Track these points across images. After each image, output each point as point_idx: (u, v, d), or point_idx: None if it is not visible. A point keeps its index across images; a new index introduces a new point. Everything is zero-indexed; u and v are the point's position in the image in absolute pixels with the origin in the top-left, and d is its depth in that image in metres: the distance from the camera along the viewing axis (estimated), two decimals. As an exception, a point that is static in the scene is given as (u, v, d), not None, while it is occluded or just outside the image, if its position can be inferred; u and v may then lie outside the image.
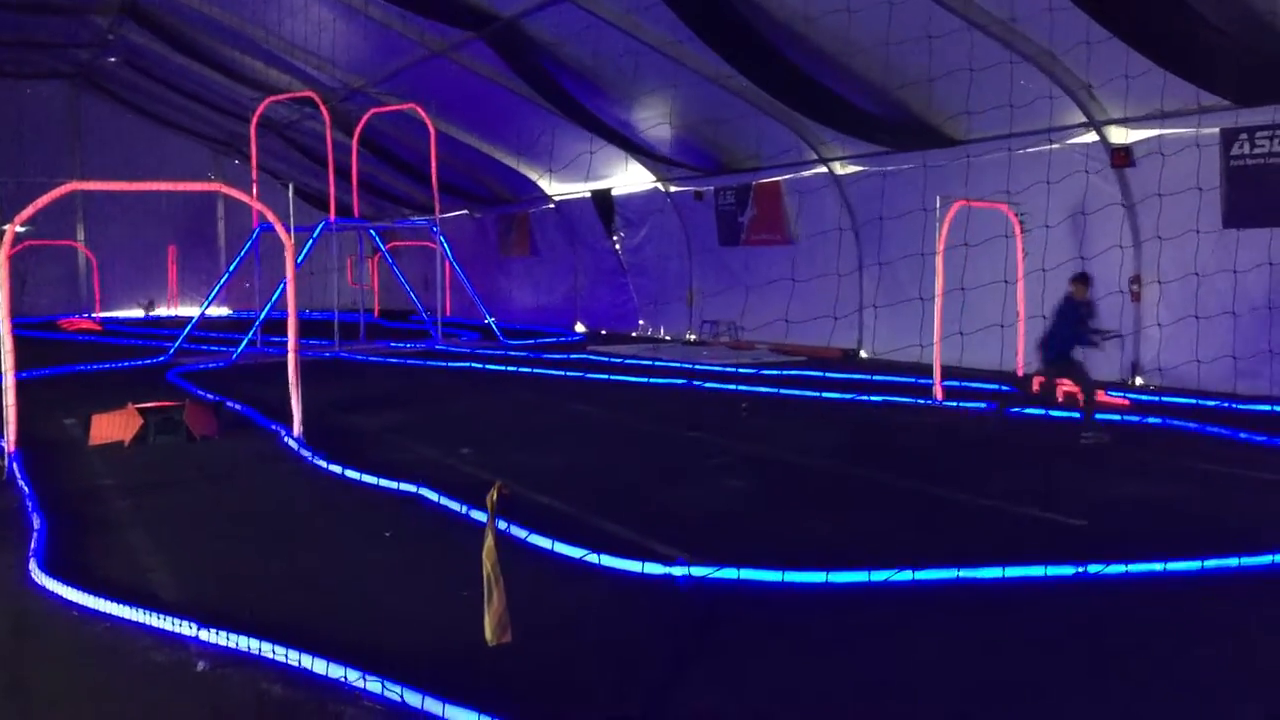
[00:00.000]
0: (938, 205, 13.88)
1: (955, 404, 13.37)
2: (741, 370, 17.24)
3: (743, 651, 5.46)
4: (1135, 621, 5.87)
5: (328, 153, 23.17)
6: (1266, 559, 6.65)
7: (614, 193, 24.61)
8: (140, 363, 19.31)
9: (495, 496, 5.13)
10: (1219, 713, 4.71)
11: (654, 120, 20.21)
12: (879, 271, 18.41)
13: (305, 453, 10.43)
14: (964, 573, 6.44)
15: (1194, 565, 6.57)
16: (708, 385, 15.73)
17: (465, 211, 31.01)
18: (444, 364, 19.11)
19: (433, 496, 8.48)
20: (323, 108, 22.92)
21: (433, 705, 4.65)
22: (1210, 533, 7.36)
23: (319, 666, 5.08)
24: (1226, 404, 12.50)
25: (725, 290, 21.99)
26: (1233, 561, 6.60)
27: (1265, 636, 5.65)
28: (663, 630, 5.72)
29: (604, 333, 25.81)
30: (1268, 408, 12.01)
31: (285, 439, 11.15)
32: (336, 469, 9.66)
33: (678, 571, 6.50)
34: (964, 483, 9.17)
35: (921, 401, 13.64)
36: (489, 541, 5.15)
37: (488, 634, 5.16)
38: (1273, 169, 12.70)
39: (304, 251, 21.39)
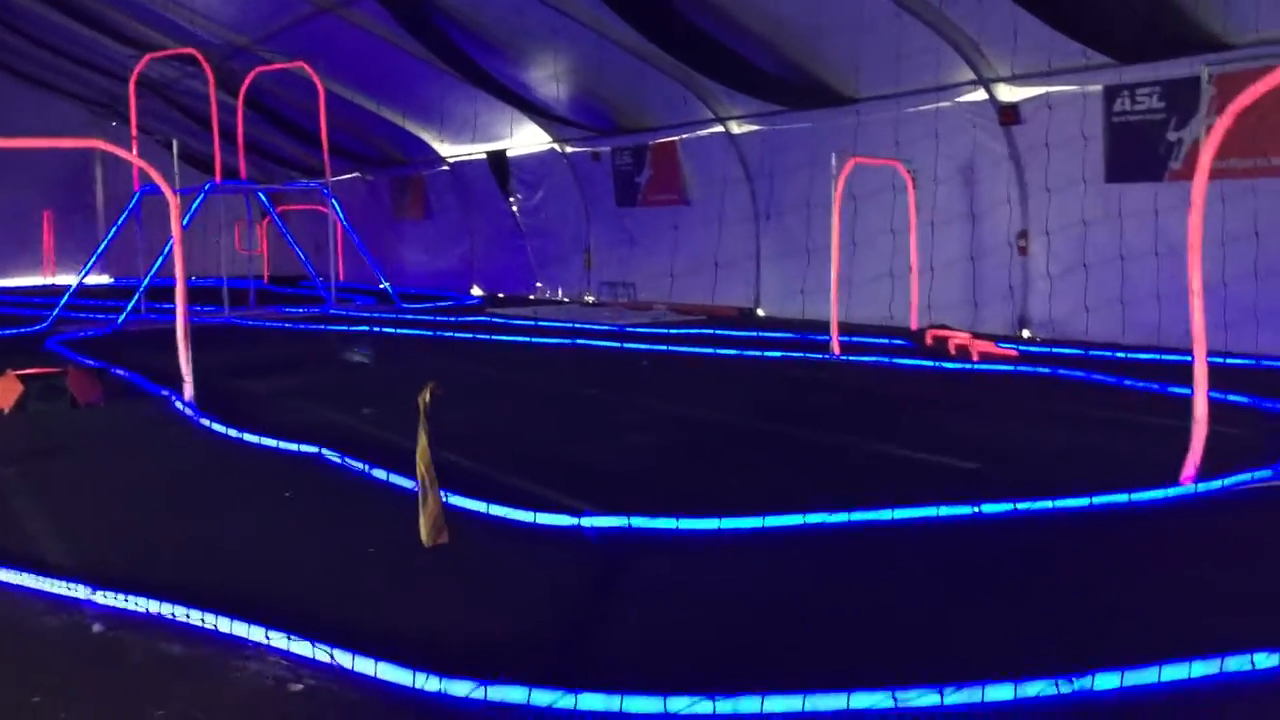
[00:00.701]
0: (833, 163, 14.04)
1: (852, 358, 13.60)
2: (641, 330, 17.28)
3: (648, 595, 5.50)
4: (1027, 553, 6.06)
5: (211, 113, 22.44)
6: (1155, 494, 6.94)
7: (509, 154, 24.36)
8: (14, 331, 18.55)
9: (428, 398, 5.06)
10: (1104, 629, 4.89)
11: (549, 80, 20.03)
12: (775, 231, 18.60)
13: (198, 417, 10.15)
14: (857, 515, 6.58)
15: (1083, 501, 6.81)
16: (604, 345, 15.75)
17: (357, 174, 30.40)
18: (339, 328, 18.77)
19: (335, 457, 8.33)
20: (205, 66, 22.16)
21: (342, 657, 4.58)
22: (1098, 473, 7.62)
23: (221, 625, 4.96)
24: (1111, 353, 12.94)
25: (623, 251, 21.99)
26: (1122, 497, 6.86)
27: (1147, 563, 5.89)
28: (573, 579, 5.72)
29: (501, 296, 25.62)
30: (1150, 356, 12.47)
31: (176, 404, 10.83)
32: (233, 432, 9.42)
33: (586, 523, 6.52)
34: (862, 432, 9.36)
35: (819, 356, 13.85)
36: (422, 443, 5.07)
37: (423, 536, 5.09)
38: (1152, 124, 13.13)
39: (189, 215, 20.72)
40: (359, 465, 8.00)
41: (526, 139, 23.45)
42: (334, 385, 12.64)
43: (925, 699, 4.17)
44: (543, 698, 4.22)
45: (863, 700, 4.15)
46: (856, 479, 7.82)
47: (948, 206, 15.36)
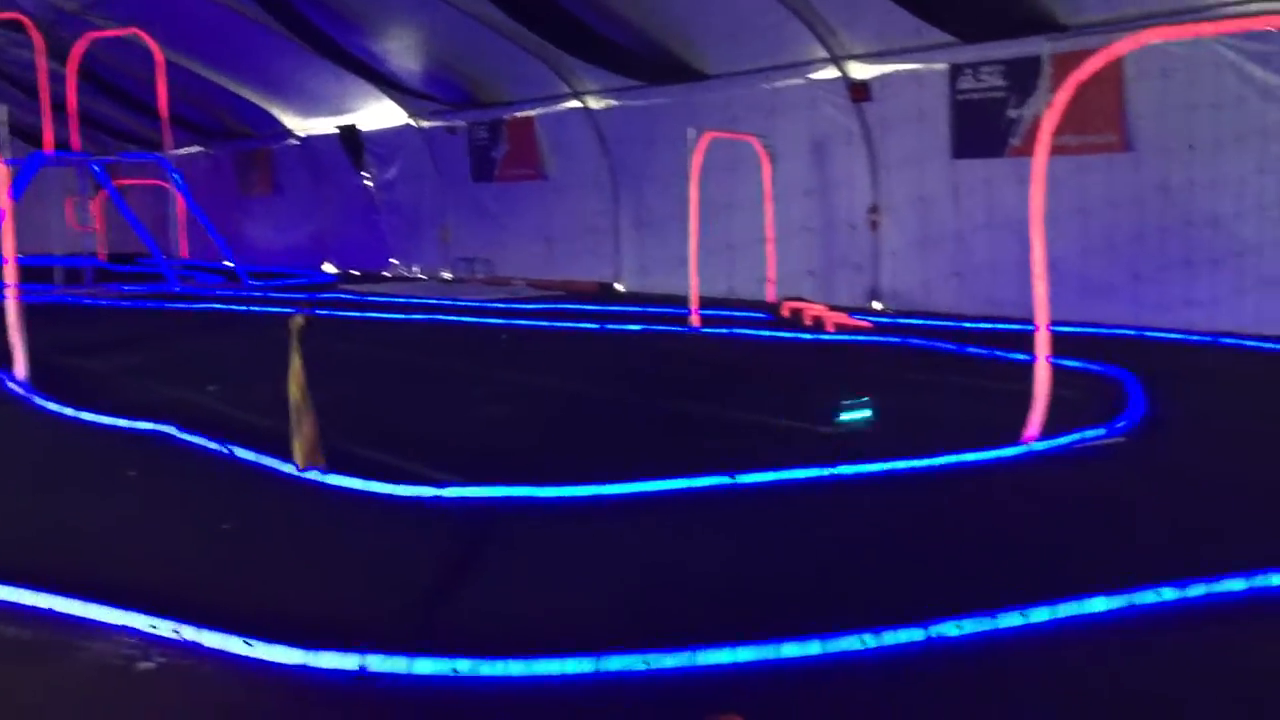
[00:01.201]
0: (690, 137, 14.13)
1: (711, 330, 13.75)
2: (500, 305, 17.13)
3: (508, 564, 5.47)
4: (881, 511, 6.25)
5: (40, 82, 21.24)
6: (999, 453, 7.22)
7: (362, 128, 23.78)
8: None
9: (301, 323, 4.92)
10: (956, 580, 5.07)
11: (403, 52, 19.61)
12: (633, 205, 18.64)
13: (32, 396, 9.63)
14: (718, 480, 6.66)
15: (934, 461, 7.04)
16: (462, 320, 15.57)
17: (200, 148, 29.25)
18: (182, 305, 18.06)
19: (180, 434, 8.02)
20: (34, 32, 20.94)
21: (194, 634, 4.42)
22: (947, 434, 7.88)
23: (66, 606, 4.73)
24: (958, 323, 13.40)
25: (481, 227, 21.74)
26: (970, 457, 7.12)
27: (994, 518, 6.13)
28: (431, 550, 5.64)
29: (355, 273, 25.05)
30: (993, 325, 12.95)
31: (7, 384, 10.26)
32: (70, 411, 8.97)
33: (447, 493, 6.44)
34: (721, 401, 9.48)
35: (678, 329, 13.96)
36: (295, 366, 4.92)
37: (298, 459, 4.94)
38: (994, 102, 13.61)
39: (18, 188, 19.59)
40: (207, 442, 7.71)
41: (380, 113, 22.93)
42: (178, 364, 12.16)
43: (793, 650, 4.26)
44: (401, 665, 4.15)
45: (716, 657, 4.22)
46: (717, 446, 7.91)
47: (802, 181, 15.64)
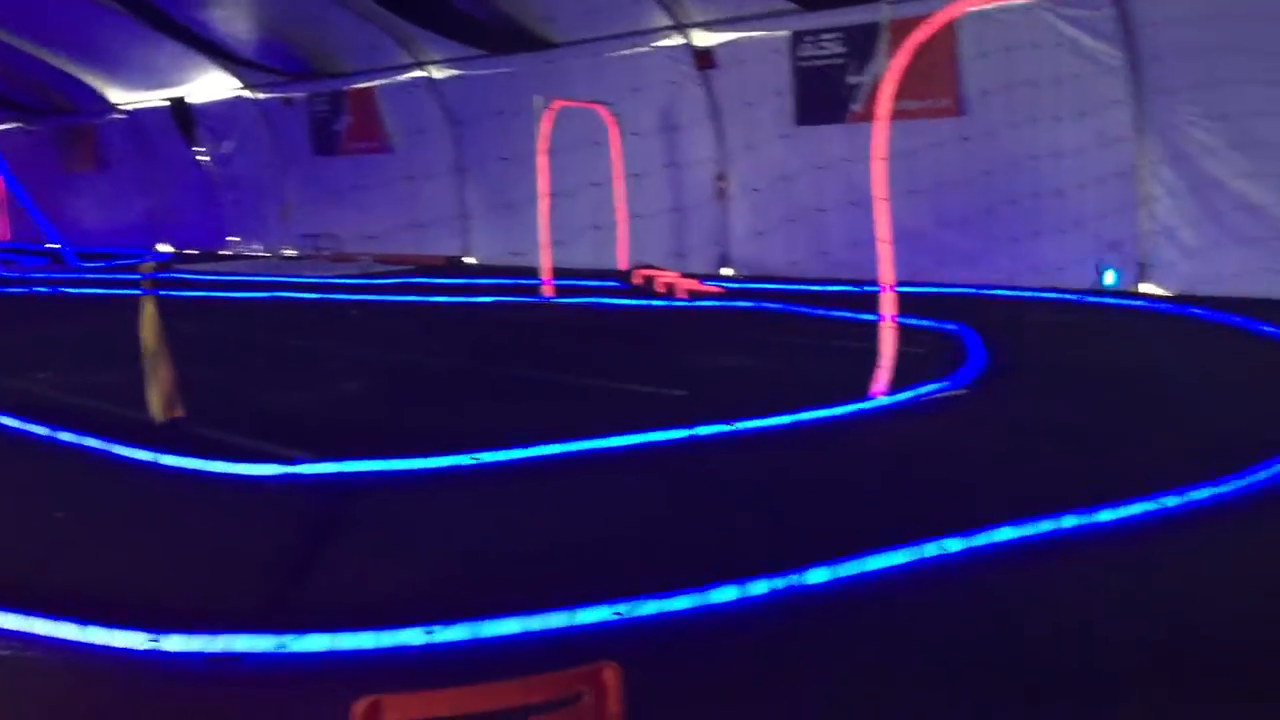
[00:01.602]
0: (537, 106, 14.01)
1: (564, 300, 13.72)
2: (348, 280, 16.73)
3: (360, 539, 5.38)
4: (739, 468, 6.35)
5: None
6: (850, 408, 7.42)
7: (194, 101, 22.83)
8: None
9: (152, 268, 4.70)
10: (813, 529, 5.20)
11: (235, 21, 18.87)
12: (481, 177, 18.42)
13: None
14: (577, 445, 6.66)
15: (787, 419, 7.18)
16: (312, 296, 15.15)
17: (18, 124, 27.61)
18: (6, 290, 17.07)
19: (11, 422, 7.59)
20: None
21: (38, 624, 4.19)
22: (800, 392, 8.04)
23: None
24: (807, 286, 13.68)
25: (324, 201, 21.15)
26: (821, 413, 7.29)
27: (847, 467, 6.30)
28: (281, 528, 5.49)
29: (193, 252, 24.08)
30: (841, 287, 13.26)
31: None
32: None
33: (301, 470, 6.27)
34: (577, 369, 9.47)
35: (531, 299, 13.89)
36: (148, 312, 4.69)
37: (154, 410, 4.71)
38: (835, 69, 13.90)
39: None
40: (39, 429, 7.32)
41: (211, 84, 22.04)
42: (4, 352, 11.48)
43: (647, 608, 4.29)
44: (259, 644, 4.03)
45: (586, 616, 4.22)
46: (574, 412, 7.90)
47: (650, 150, 15.70)
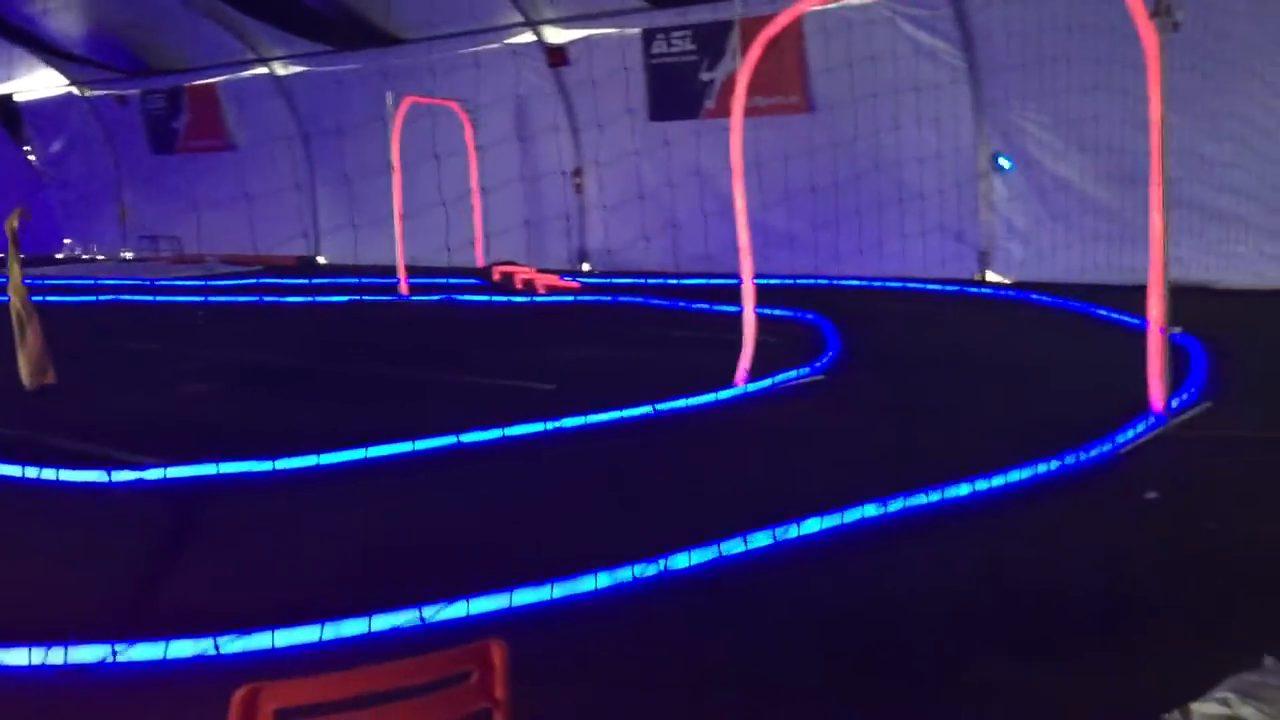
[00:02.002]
0: (389, 104, 13.79)
1: (421, 298, 13.53)
2: (192, 283, 16.13)
3: (214, 542, 5.23)
4: (606, 456, 6.39)
5: None
6: (712, 396, 7.53)
7: (20, 98, 21.68)
8: None
9: (15, 223, 4.43)
10: (683, 512, 5.26)
11: (64, 15, 18.00)
12: (331, 175, 18.01)
13: None
14: (442, 441, 6.60)
15: (648, 409, 7.25)
16: (155, 299, 14.57)
17: None
18: None
19: None
20: None
21: None
22: (661, 383, 8.12)
23: None
24: (664, 279, 13.81)
25: (164, 202, 20.36)
26: (682, 402, 7.38)
27: (713, 452, 6.40)
28: (138, 530, 5.28)
29: (21, 256, 22.81)
30: (698, 280, 13.44)
31: None
32: None
33: (149, 475, 6.03)
34: (439, 365, 9.36)
35: (388, 298, 13.66)
36: (14, 274, 4.41)
37: (25, 379, 4.41)
38: (687, 66, 14.07)
39: None
40: None
41: (40, 81, 20.97)
42: None
43: (532, 596, 4.28)
44: (100, 653, 3.87)
45: (477, 606, 4.19)
46: (440, 407, 7.80)
47: (503, 146, 15.60)
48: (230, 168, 19.14)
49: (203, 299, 14.26)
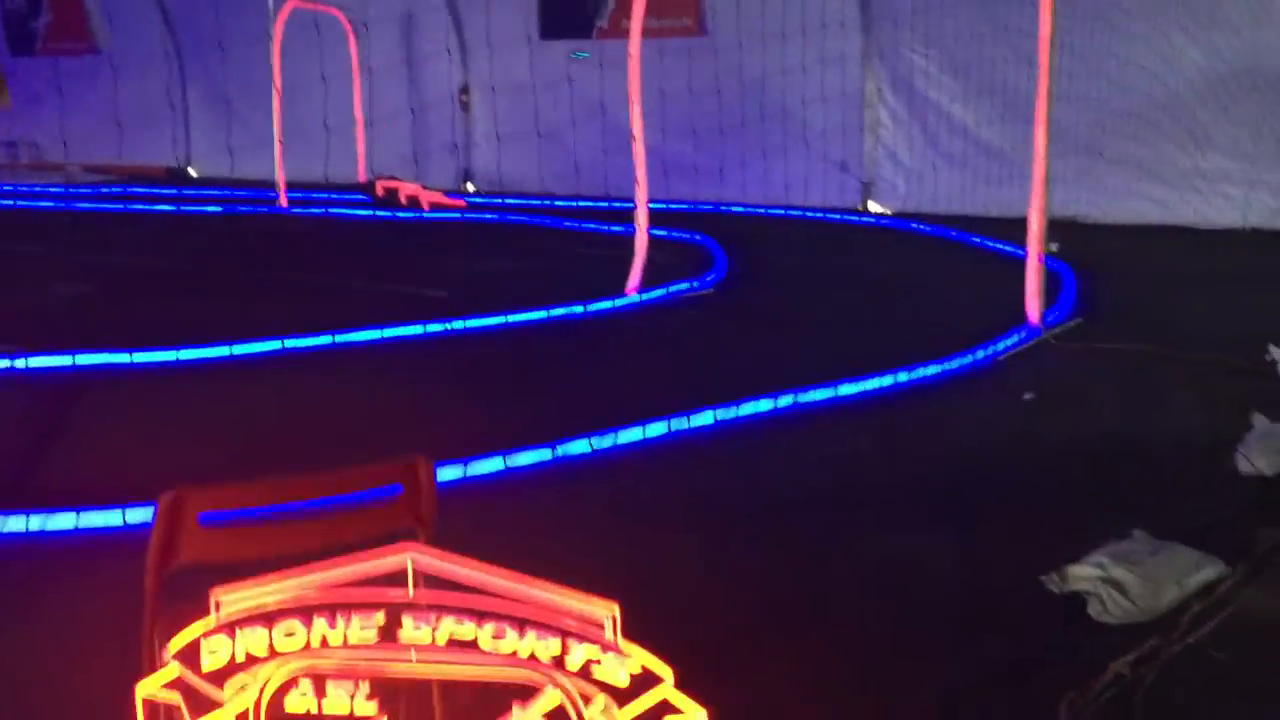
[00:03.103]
0: (270, 7, 13.28)
1: (303, 210, 13.17)
2: (54, 190, 15.40)
3: (91, 430, 5.09)
4: (504, 358, 6.39)
5: None
6: (606, 304, 7.57)
7: None
8: None
9: None
10: (580, 406, 5.30)
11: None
12: (204, 82, 17.30)
13: None
14: (344, 337, 6.51)
15: (542, 314, 7.25)
16: (17, 204, 13.88)
17: None
18: None
19: None
20: None
21: None
22: (554, 292, 8.11)
23: None
24: (551, 200, 13.71)
25: (24, 106, 19.26)
26: (578, 308, 7.40)
27: (607, 354, 6.44)
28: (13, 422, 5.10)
29: None
30: (582, 202, 13.37)
31: None
32: None
33: (19, 364, 5.81)
34: (325, 272, 9.16)
35: (266, 210, 13.25)
36: None
37: None
38: (579, -17, 13.89)
39: None
40: None
41: (-118, -31, 19.55)
42: None
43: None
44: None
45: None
46: (320, 310, 7.63)
47: (388, 59, 15.19)
48: (94, 70, 18.18)
49: (66, 205, 13.64)
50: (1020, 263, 6.87)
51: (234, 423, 5.15)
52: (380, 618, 1.58)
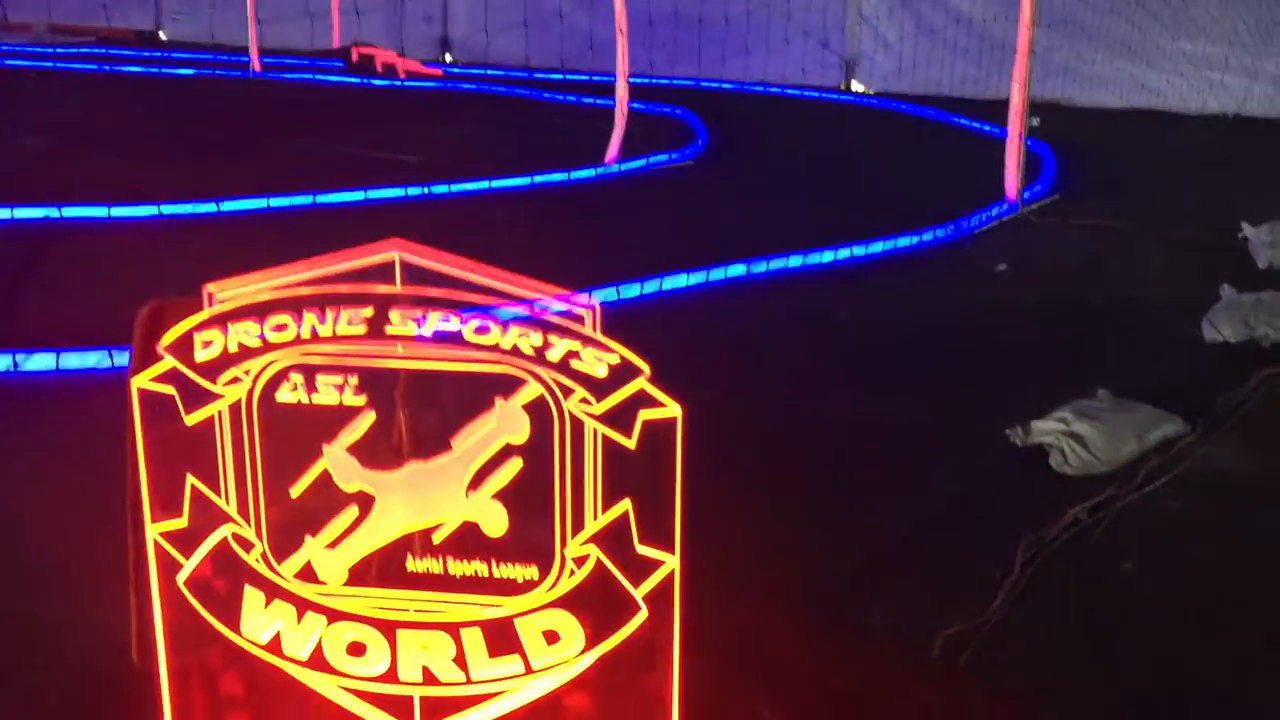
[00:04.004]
0: None
1: (277, 75, 12.89)
2: (18, 49, 14.96)
3: (82, 278, 5.08)
4: (488, 221, 6.37)
5: None
6: (587, 173, 7.53)
7: None
8: None
9: None
10: (563, 265, 5.30)
11: None
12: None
13: None
14: (324, 198, 6.48)
15: (525, 180, 7.22)
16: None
17: None
18: None
19: None
20: None
21: None
22: (535, 160, 8.04)
23: None
24: (530, 73, 13.46)
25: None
26: (561, 176, 7.38)
27: (591, 219, 6.45)
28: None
29: None
30: (560, 75, 13.14)
31: None
32: None
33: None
34: (299, 134, 9.03)
35: (238, 74, 12.96)
36: None
37: None
38: None
39: None
40: None
41: None
42: None
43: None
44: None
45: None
46: (296, 171, 7.56)
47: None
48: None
49: (32, 64, 13.31)
50: (1001, 143, 6.87)
51: (218, 279, 5.13)
52: (368, 311, 1.60)
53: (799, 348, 4.50)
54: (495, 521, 1.62)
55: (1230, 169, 8.04)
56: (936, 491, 3.51)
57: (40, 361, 3.93)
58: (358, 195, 6.59)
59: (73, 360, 3.95)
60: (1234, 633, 2.89)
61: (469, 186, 6.96)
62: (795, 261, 5.48)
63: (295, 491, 1.65)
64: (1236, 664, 2.76)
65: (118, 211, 5.98)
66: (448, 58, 15.01)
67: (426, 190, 6.79)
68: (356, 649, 1.66)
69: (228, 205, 6.18)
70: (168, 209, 6.03)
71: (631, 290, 4.95)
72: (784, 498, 3.39)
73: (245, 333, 1.60)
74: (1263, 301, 4.76)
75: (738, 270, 5.29)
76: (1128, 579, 3.13)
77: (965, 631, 2.72)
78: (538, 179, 7.25)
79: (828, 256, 5.59)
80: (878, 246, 5.78)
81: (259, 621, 1.67)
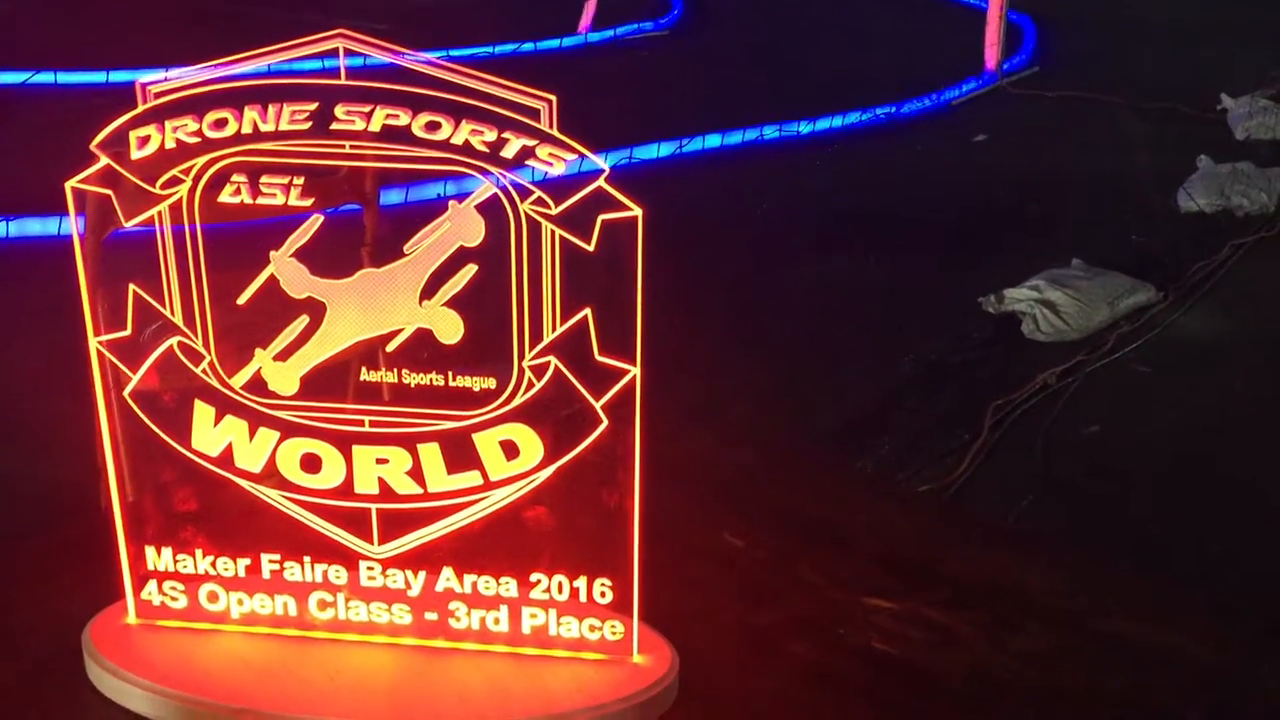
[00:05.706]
0: None
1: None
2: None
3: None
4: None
5: None
6: (556, 42, 7.37)
7: None
8: None
9: None
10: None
11: None
12: None
13: None
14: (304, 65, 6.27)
15: (487, 50, 7.05)
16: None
17: None
18: None
19: None
20: None
21: None
22: (504, 28, 7.80)
23: None
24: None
25: None
26: (528, 46, 7.16)
27: (561, 87, 6.27)
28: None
29: None
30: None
31: None
32: None
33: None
34: (267, 3, 8.74)
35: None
36: None
37: None
38: None
39: None
40: None
41: None
42: None
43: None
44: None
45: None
46: (263, 39, 7.32)
47: None
48: None
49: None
50: (984, 18, 6.73)
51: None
52: (313, 105, 1.52)
53: (775, 216, 4.44)
54: (450, 329, 1.56)
55: (1212, 42, 7.91)
56: (910, 356, 3.50)
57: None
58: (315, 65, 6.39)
59: (32, 226, 3.89)
60: (1196, 492, 2.92)
61: (444, 54, 6.76)
62: (771, 133, 5.38)
63: (242, 299, 1.59)
64: (1194, 519, 2.78)
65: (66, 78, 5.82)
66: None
67: (393, 61, 6.59)
68: (311, 463, 1.62)
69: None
70: (117, 76, 5.85)
71: (609, 160, 4.85)
72: (760, 354, 3.37)
73: (183, 129, 1.51)
74: (1239, 171, 4.73)
75: (712, 141, 5.20)
76: (1092, 440, 3.15)
77: (935, 489, 2.74)
78: (515, 47, 7.07)
79: (805, 128, 5.49)
80: (855, 117, 5.68)
81: (211, 436, 1.62)
